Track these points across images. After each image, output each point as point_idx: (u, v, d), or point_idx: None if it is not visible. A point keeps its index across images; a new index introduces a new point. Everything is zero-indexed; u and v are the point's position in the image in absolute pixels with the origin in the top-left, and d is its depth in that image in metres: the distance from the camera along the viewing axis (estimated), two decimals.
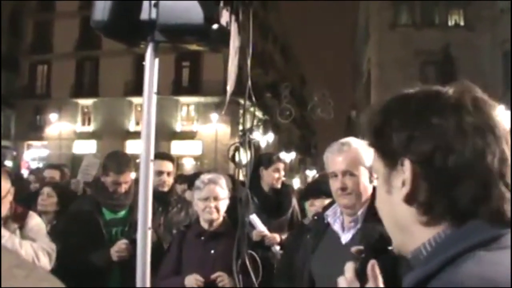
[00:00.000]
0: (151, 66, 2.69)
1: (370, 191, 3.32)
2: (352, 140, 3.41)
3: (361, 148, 3.33)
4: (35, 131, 51.32)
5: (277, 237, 5.50)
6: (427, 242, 1.32)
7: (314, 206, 4.70)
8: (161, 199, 5.35)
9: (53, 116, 48.80)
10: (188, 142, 47.42)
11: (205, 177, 4.66)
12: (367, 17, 44.49)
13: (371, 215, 3.10)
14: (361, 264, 1.60)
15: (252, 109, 2.71)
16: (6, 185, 4.32)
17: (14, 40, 52.60)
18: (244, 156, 2.59)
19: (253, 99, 2.68)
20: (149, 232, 2.71)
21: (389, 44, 38.40)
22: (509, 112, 23.09)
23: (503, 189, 1.26)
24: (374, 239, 1.67)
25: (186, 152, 47.34)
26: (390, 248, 1.54)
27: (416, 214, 1.32)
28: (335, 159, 3.35)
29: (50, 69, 51.83)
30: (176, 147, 45.23)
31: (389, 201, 1.38)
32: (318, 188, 4.77)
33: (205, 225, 4.53)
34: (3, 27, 50.89)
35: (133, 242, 4.41)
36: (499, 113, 1.34)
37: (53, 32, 51.00)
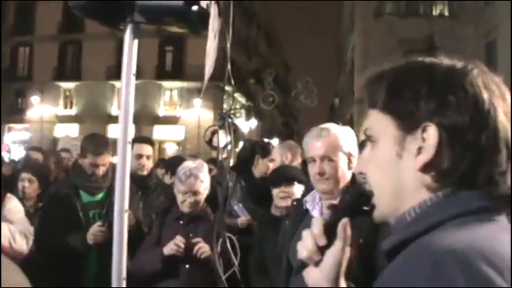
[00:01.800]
0: (130, 48, 2.66)
1: (348, 177, 3.31)
2: (331, 126, 3.41)
3: (340, 134, 3.33)
4: (16, 114, 50.90)
5: None
6: (412, 208, 1.31)
7: (284, 192, 4.66)
8: (140, 183, 5.34)
9: (34, 99, 48.50)
10: (171, 127, 47.32)
11: (187, 167, 4.60)
12: (352, 5, 44.52)
13: None
14: (333, 221, 1.52)
15: (233, 94, 2.68)
16: None
17: None
18: (223, 139, 2.58)
19: (232, 83, 2.66)
20: (126, 215, 2.69)
21: (373, 32, 38.52)
22: None
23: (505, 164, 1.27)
24: (353, 197, 1.58)
25: (169, 137, 47.27)
26: (366, 209, 1.49)
27: (427, 181, 1.29)
28: (313, 144, 3.34)
29: (32, 51, 51.41)
30: (159, 132, 45.19)
31: (397, 165, 1.34)
32: (290, 174, 4.75)
33: (184, 209, 4.51)
34: None
35: (111, 225, 4.40)
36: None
37: (35, 14, 50.49)
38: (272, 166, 5.82)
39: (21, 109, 51.45)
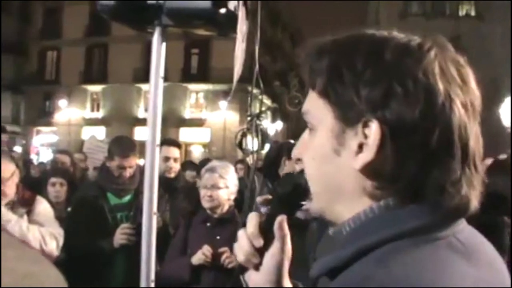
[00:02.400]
0: (158, 51, 2.67)
1: None
2: None
3: None
4: (44, 117, 51.53)
5: None
6: (350, 220, 1.13)
7: None
8: (168, 185, 5.35)
9: (62, 102, 48.97)
10: (197, 130, 47.42)
11: (209, 164, 4.65)
12: (377, 6, 44.33)
13: None
14: (268, 218, 1.34)
15: (260, 96, 2.68)
16: (11, 167, 4.32)
17: (24, 26, 52.70)
18: (252, 142, 2.57)
19: (261, 85, 2.65)
20: (155, 217, 2.70)
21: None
22: None
23: (468, 172, 1.07)
24: (286, 191, 1.40)
25: (195, 139, 47.37)
26: (304, 204, 1.32)
27: (369, 187, 1.09)
28: None
29: (59, 55, 51.94)
30: (185, 134, 45.30)
31: (333, 161, 1.12)
32: None
33: (210, 211, 4.51)
34: (13, 13, 50.97)
35: (138, 227, 4.41)
36: (469, 79, 1.11)
37: (62, 18, 51.02)
38: (298, 168, 5.79)
39: (48, 112, 52.03)
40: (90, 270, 4.65)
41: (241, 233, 1.36)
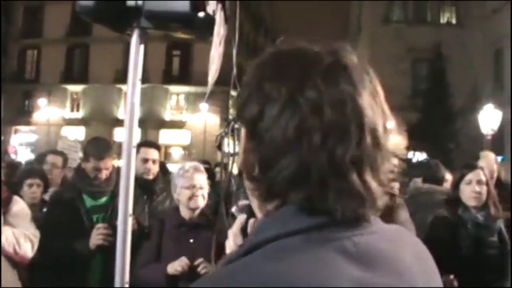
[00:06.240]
0: (136, 53, 2.68)
1: None
2: None
3: None
4: (23, 116, 51.16)
5: None
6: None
7: None
8: (146, 187, 5.33)
9: (41, 102, 48.65)
10: (177, 132, 47.40)
11: (187, 165, 4.62)
12: (360, 12, 44.50)
13: None
14: (247, 221, 1.46)
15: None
16: None
17: (4, 24, 52.32)
18: (231, 145, 2.58)
19: (238, 88, 2.66)
20: (130, 219, 2.69)
21: (381, 40, 38.44)
22: (498, 111, 23.26)
23: (329, 174, 1.04)
24: None
25: (175, 141, 47.31)
26: None
27: (252, 188, 1.16)
28: None
29: (39, 54, 51.66)
30: (165, 136, 45.25)
31: None
32: None
33: (185, 214, 4.50)
34: None
35: (114, 229, 4.39)
36: (368, 85, 1.14)
37: (43, 17, 50.76)
38: None
39: (28, 111, 51.69)
40: (65, 272, 4.62)
41: (229, 232, 1.50)
